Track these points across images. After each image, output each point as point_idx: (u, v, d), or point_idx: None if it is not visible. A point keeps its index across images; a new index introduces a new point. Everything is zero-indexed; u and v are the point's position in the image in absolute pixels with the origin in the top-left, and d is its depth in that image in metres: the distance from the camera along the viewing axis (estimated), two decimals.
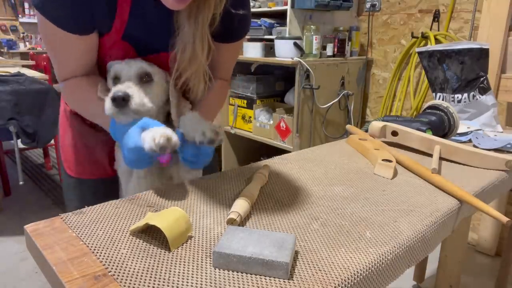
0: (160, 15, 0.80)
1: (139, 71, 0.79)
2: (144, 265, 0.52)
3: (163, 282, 0.49)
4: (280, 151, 2.29)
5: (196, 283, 0.49)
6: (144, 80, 0.80)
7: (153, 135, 0.66)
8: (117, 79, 0.79)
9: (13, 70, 2.71)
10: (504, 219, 0.71)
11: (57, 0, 0.71)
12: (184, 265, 0.53)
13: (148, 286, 0.48)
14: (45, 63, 3.22)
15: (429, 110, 1.20)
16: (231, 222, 0.63)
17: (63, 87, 0.85)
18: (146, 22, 0.81)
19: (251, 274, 0.51)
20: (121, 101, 0.72)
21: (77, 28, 0.76)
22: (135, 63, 0.80)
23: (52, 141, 2.77)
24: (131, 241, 0.58)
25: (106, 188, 0.91)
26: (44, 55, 3.26)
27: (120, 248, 0.56)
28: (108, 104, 0.74)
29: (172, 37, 0.80)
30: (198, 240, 0.59)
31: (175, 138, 0.67)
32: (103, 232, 0.60)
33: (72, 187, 1.00)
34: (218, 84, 0.96)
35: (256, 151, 3.05)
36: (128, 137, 0.70)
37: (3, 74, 2.45)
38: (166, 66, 0.86)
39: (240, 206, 0.66)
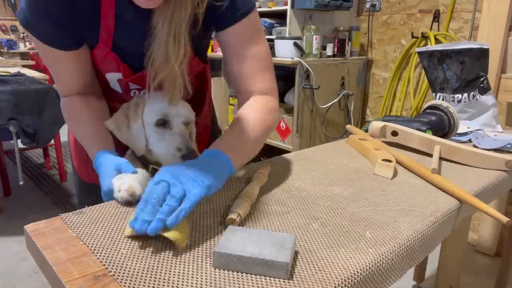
0: (143, 22, 0.78)
1: (186, 120, 0.81)
2: (144, 265, 0.52)
3: (163, 282, 0.49)
4: (280, 151, 2.29)
5: (196, 283, 0.49)
6: (186, 125, 0.82)
7: (120, 186, 0.68)
8: (166, 123, 0.79)
9: (13, 70, 2.71)
10: (504, 219, 0.71)
11: (41, 19, 0.72)
12: (184, 265, 0.53)
13: (148, 286, 0.48)
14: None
15: (429, 110, 1.20)
16: (231, 222, 0.63)
17: (62, 104, 0.85)
18: (132, 30, 0.80)
19: (251, 274, 0.51)
20: (191, 158, 0.73)
21: (64, 44, 0.76)
22: (183, 109, 0.81)
23: (52, 141, 2.77)
24: (131, 241, 0.58)
25: None
26: None
27: (120, 248, 0.56)
28: (177, 158, 0.75)
29: (147, 38, 0.77)
30: (198, 240, 0.59)
31: (139, 192, 0.68)
32: (103, 232, 0.60)
33: (86, 192, 1.01)
34: (252, 101, 0.81)
35: None
36: (104, 178, 0.71)
37: (3, 74, 2.45)
38: None
39: (240, 206, 0.66)
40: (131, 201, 0.68)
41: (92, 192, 0.98)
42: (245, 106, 0.82)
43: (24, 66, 3.37)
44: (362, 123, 2.86)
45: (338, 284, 0.50)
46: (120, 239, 0.58)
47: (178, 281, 0.49)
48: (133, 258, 0.54)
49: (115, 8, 0.76)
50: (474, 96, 1.36)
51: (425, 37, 2.37)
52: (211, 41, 0.93)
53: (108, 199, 0.72)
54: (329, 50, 2.58)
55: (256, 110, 0.80)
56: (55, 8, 0.71)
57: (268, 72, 0.85)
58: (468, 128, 1.27)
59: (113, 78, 0.86)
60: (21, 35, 5.88)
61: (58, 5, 0.71)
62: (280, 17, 2.63)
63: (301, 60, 2.31)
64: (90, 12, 0.75)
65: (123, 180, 0.69)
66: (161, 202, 0.57)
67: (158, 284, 0.49)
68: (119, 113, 0.82)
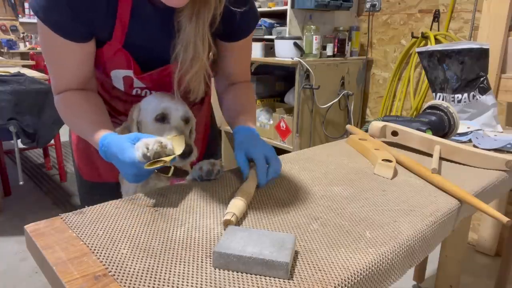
0: (161, 20, 0.79)
1: (185, 115, 0.82)
2: (144, 265, 0.52)
3: (163, 282, 0.49)
4: (280, 151, 2.29)
5: (196, 283, 0.49)
6: (186, 122, 0.82)
7: (147, 142, 0.66)
8: (165, 118, 0.80)
9: (13, 70, 2.71)
10: (504, 219, 0.71)
11: (56, 6, 0.71)
12: (184, 265, 0.53)
13: (148, 286, 0.48)
14: (45, 63, 3.23)
15: (429, 110, 1.20)
16: (227, 223, 0.62)
17: (56, 100, 0.83)
18: (147, 28, 0.80)
19: (251, 274, 0.51)
20: (188, 155, 0.76)
21: (76, 35, 0.75)
22: (181, 105, 0.82)
23: (52, 141, 2.77)
24: (131, 241, 0.58)
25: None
26: None
27: (120, 248, 0.56)
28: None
29: (173, 39, 0.79)
30: (198, 240, 0.59)
31: (170, 145, 0.67)
32: (103, 232, 0.60)
33: (88, 191, 1.00)
34: (243, 85, 0.97)
35: None
36: (122, 152, 0.68)
37: (3, 74, 2.45)
38: (170, 79, 0.85)
39: (235, 206, 0.66)
40: (161, 154, 0.65)
41: (94, 191, 0.98)
42: (242, 90, 0.96)
43: (24, 66, 3.37)
44: (362, 123, 2.86)
45: (338, 284, 0.50)
46: (120, 239, 0.58)
47: (178, 281, 0.49)
48: (133, 258, 0.54)
49: (132, 4, 0.76)
50: (474, 96, 1.36)
51: (425, 37, 2.37)
52: None
53: (133, 171, 0.68)
54: (329, 50, 2.58)
55: (249, 92, 0.98)
56: None
57: (249, 68, 1.02)
58: (468, 128, 1.27)
59: (119, 75, 0.86)
60: (21, 35, 5.88)
61: None
62: (280, 17, 2.63)
63: (301, 60, 2.31)
64: (107, 6, 0.75)
65: (147, 139, 0.66)
66: None
67: (158, 284, 0.49)
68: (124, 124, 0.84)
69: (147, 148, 0.65)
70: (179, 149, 0.72)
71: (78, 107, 0.81)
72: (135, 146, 0.67)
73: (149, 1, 0.77)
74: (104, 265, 0.52)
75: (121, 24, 0.77)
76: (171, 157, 0.68)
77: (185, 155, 0.74)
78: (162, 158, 0.66)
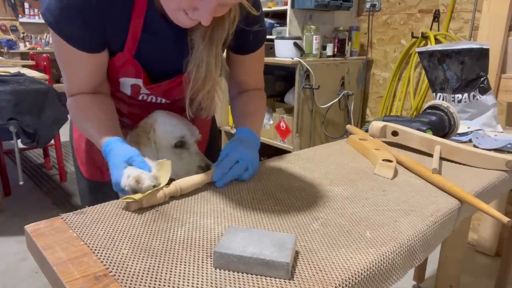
0: (173, 35, 0.80)
1: (197, 138, 0.88)
2: (145, 265, 0.52)
3: (164, 282, 0.49)
4: (280, 151, 2.30)
5: (197, 284, 0.49)
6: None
7: (129, 174, 0.67)
8: (183, 143, 0.85)
9: (13, 70, 2.70)
10: (505, 219, 0.71)
11: (70, 19, 0.71)
12: (184, 265, 0.53)
13: (149, 287, 0.48)
14: (45, 63, 3.21)
15: (429, 110, 1.20)
16: (127, 206, 0.66)
17: (69, 103, 0.84)
18: (159, 43, 0.81)
19: (251, 274, 0.51)
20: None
21: (89, 46, 0.76)
22: (195, 129, 0.88)
23: (52, 141, 2.76)
24: (132, 241, 0.58)
25: None
26: (44, 55, 3.25)
27: (121, 248, 0.56)
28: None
29: (185, 57, 0.80)
30: (199, 241, 0.59)
31: (147, 183, 0.67)
32: (103, 232, 0.60)
33: (90, 190, 1.01)
34: (254, 93, 0.99)
35: None
36: (113, 168, 0.70)
37: (3, 74, 2.45)
38: (180, 89, 0.86)
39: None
40: (137, 190, 0.67)
41: (97, 190, 0.99)
42: (251, 96, 0.97)
43: (24, 66, 3.37)
44: (362, 123, 2.86)
45: (339, 284, 0.50)
46: (120, 239, 0.58)
47: (178, 281, 0.49)
48: (134, 258, 0.54)
49: (144, 18, 0.77)
50: (474, 96, 1.36)
51: (425, 37, 2.37)
52: None
53: (117, 189, 0.71)
54: (329, 50, 2.58)
55: (260, 99, 0.99)
56: (89, 9, 0.71)
57: (263, 77, 1.02)
58: (468, 128, 1.27)
59: (128, 82, 0.87)
60: (21, 35, 5.88)
61: (92, 8, 0.71)
62: (280, 17, 2.63)
63: (301, 60, 2.31)
64: (120, 19, 0.75)
65: (132, 170, 0.68)
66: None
67: (159, 284, 0.49)
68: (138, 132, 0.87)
69: (128, 177, 0.67)
70: (165, 175, 0.71)
71: (88, 111, 0.82)
72: (124, 171, 0.68)
73: (162, 17, 0.77)
74: (105, 265, 0.52)
75: (132, 37, 0.78)
76: (141, 196, 0.67)
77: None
78: (134, 196, 0.66)
